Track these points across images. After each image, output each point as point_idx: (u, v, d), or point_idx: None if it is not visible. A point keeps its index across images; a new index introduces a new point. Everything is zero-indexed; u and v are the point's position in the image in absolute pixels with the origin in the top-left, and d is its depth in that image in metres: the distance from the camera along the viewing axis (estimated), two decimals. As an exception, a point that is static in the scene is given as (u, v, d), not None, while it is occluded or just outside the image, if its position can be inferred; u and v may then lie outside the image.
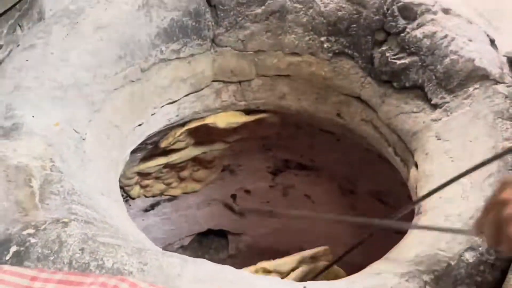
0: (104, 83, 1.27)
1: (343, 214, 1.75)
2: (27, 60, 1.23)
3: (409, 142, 1.32)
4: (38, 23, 1.35)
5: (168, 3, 1.35)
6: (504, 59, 1.37)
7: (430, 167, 1.20)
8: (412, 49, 1.29)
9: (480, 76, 1.22)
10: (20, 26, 1.34)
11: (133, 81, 1.32)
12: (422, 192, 1.19)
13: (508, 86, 1.23)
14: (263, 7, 1.38)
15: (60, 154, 1.17)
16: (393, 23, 1.30)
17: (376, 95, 1.33)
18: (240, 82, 1.41)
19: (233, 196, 1.80)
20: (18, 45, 1.31)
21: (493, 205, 0.95)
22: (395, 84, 1.31)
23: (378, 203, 1.71)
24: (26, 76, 1.20)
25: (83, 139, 1.20)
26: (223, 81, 1.40)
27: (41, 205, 1.07)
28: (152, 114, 1.36)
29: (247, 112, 1.49)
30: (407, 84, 1.30)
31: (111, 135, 1.28)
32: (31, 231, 1.05)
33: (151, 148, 1.51)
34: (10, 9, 1.30)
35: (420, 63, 1.36)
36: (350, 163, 1.64)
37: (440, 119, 1.24)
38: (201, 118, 1.47)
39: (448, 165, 1.17)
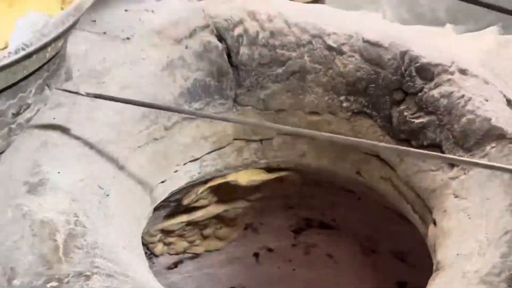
0: (128, 140, 1.28)
1: (365, 274, 1.76)
2: (54, 118, 1.25)
3: (427, 200, 1.31)
4: (66, 83, 1.36)
5: (192, 64, 1.37)
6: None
7: (448, 224, 1.20)
8: (429, 108, 1.29)
9: (496, 135, 1.23)
10: (48, 85, 1.36)
11: (156, 139, 1.32)
12: (440, 249, 1.21)
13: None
14: (283, 68, 1.40)
15: (84, 209, 1.14)
16: (411, 83, 1.31)
17: (395, 154, 1.35)
18: (261, 140, 1.42)
19: (256, 255, 1.80)
20: (46, 104, 1.33)
21: None
22: (413, 142, 1.31)
23: (400, 262, 1.69)
24: (52, 134, 1.22)
25: (107, 195, 1.21)
26: (245, 139, 1.42)
27: (64, 258, 1.04)
28: (175, 172, 1.37)
29: (268, 170, 1.49)
30: (425, 143, 1.30)
31: (134, 191, 1.29)
32: (54, 284, 1.03)
33: (174, 205, 1.52)
34: (38, 69, 1.36)
35: (437, 122, 1.30)
36: (371, 222, 1.63)
37: (457, 177, 1.24)
38: (223, 175, 1.47)
39: (465, 222, 1.18)
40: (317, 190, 1.53)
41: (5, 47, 1.29)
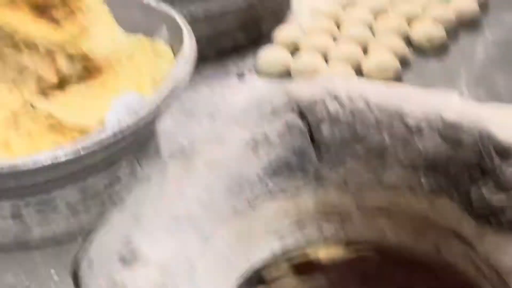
0: (214, 216, 1.31)
1: None
2: (144, 193, 1.29)
3: (508, 279, 1.34)
4: (155, 160, 1.44)
5: (275, 142, 1.37)
6: None
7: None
8: (508, 188, 1.24)
9: None
10: (138, 161, 1.44)
11: (241, 214, 1.33)
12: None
13: None
14: (362, 145, 1.39)
15: (174, 283, 1.13)
16: (490, 163, 1.28)
17: (474, 232, 1.29)
18: (341, 216, 1.42)
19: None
20: (136, 179, 1.37)
21: None
22: (492, 221, 1.26)
23: None
24: (144, 208, 1.26)
25: (195, 269, 1.21)
26: (325, 215, 1.42)
27: None
28: (257, 247, 1.37)
29: (347, 245, 1.44)
30: (504, 222, 1.25)
31: (220, 265, 1.29)
32: None
33: (255, 279, 1.56)
34: (130, 145, 1.40)
35: None
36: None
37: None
38: (303, 251, 1.48)
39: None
40: (395, 268, 1.44)
41: (99, 127, 1.35)
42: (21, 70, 1.44)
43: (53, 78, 1.44)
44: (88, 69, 1.46)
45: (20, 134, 1.39)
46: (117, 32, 1.57)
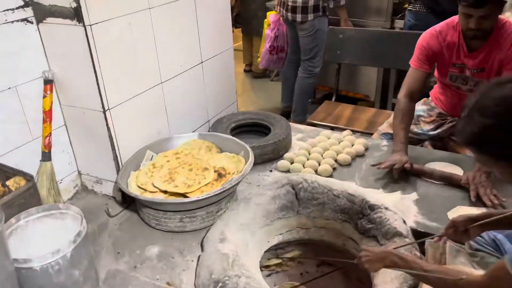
0: (257, 225, 1.41)
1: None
2: (230, 214, 1.41)
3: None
4: (235, 201, 1.50)
5: (282, 197, 1.47)
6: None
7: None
8: (372, 221, 1.38)
9: (399, 233, 1.30)
10: (229, 201, 1.49)
11: (267, 225, 1.44)
12: None
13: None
14: (316, 201, 1.47)
15: (239, 250, 1.26)
16: (366, 211, 1.41)
17: (358, 238, 1.41)
18: (306, 229, 1.50)
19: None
20: (227, 208, 1.45)
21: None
22: (365, 234, 1.39)
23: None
24: (229, 220, 1.38)
25: (247, 245, 1.33)
26: (300, 228, 1.50)
27: (232, 267, 1.17)
28: (273, 238, 1.46)
29: (309, 241, 1.50)
30: (370, 235, 1.37)
31: (257, 245, 1.39)
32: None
33: (273, 252, 1.51)
34: (227, 194, 1.47)
35: (375, 227, 1.36)
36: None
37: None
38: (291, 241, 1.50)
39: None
40: (327, 251, 1.51)
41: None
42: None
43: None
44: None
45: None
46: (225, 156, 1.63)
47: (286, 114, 3.00)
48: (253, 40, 3.95)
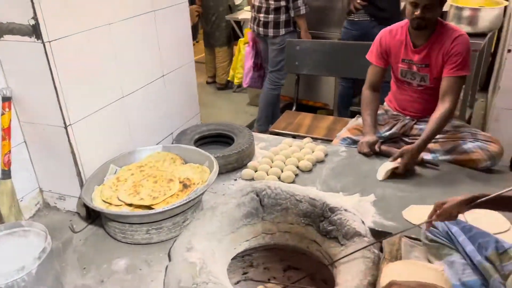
0: (223, 232, 1.41)
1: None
2: (196, 224, 1.39)
3: (334, 258, 1.35)
4: (201, 211, 1.50)
5: (247, 204, 1.49)
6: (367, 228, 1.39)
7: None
8: (333, 223, 1.41)
9: (358, 233, 1.35)
10: (194, 211, 1.51)
11: (233, 232, 1.44)
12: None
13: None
14: (280, 207, 1.49)
15: (206, 259, 1.26)
16: (326, 213, 1.45)
17: (320, 240, 1.44)
18: (271, 234, 1.51)
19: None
20: (193, 218, 1.44)
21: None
22: (327, 236, 1.42)
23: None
24: (195, 229, 1.37)
25: (214, 253, 1.33)
26: (265, 233, 1.52)
27: (199, 275, 1.18)
28: (239, 245, 1.47)
29: (274, 246, 1.52)
30: (332, 236, 1.41)
31: (224, 253, 1.39)
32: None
33: (238, 258, 1.51)
34: (193, 205, 1.49)
35: (336, 228, 1.38)
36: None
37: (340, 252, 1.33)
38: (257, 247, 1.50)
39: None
40: (292, 254, 1.55)
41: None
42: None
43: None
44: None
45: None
46: (189, 167, 1.64)
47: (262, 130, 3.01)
48: (215, 52, 3.96)
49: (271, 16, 2.68)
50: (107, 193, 1.43)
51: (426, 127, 1.76)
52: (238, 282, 1.61)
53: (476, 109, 3.34)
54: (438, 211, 1.16)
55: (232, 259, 1.48)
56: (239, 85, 3.95)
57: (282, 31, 2.70)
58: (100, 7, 1.47)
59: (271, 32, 2.71)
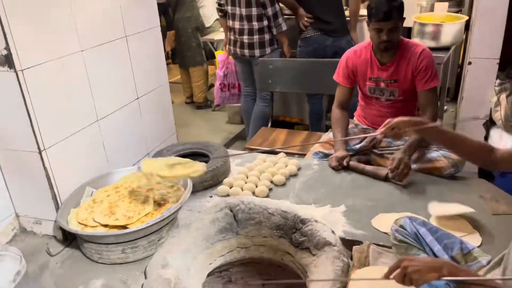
0: (198, 249, 1.44)
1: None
2: (171, 241, 1.43)
3: (306, 269, 1.39)
4: (176, 228, 1.55)
5: (221, 220, 1.52)
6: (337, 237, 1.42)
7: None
8: (304, 234, 1.45)
9: (328, 243, 1.39)
10: (170, 229, 1.53)
11: (208, 248, 1.47)
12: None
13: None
14: (254, 221, 1.52)
15: (181, 275, 1.30)
16: (298, 225, 1.48)
17: (293, 251, 1.48)
18: (246, 248, 1.55)
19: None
20: (168, 236, 1.47)
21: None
22: (299, 247, 1.46)
23: None
24: (170, 246, 1.40)
25: (189, 270, 1.36)
26: (240, 248, 1.54)
27: None
28: (214, 261, 1.51)
29: (249, 260, 1.56)
30: (304, 247, 1.44)
31: (200, 268, 1.42)
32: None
33: (216, 274, 1.53)
34: (168, 222, 1.51)
35: (308, 239, 1.43)
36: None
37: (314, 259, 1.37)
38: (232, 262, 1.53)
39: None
40: (267, 267, 1.59)
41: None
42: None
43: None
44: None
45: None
46: (164, 186, 1.66)
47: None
48: (189, 72, 4.06)
49: (255, 37, 2.74)
50: (83, 215, 1.46)
51: (409, 138, 1.84)
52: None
53: (447, 118, 3.44)
54: (388, 124, 1.28)
55: (210, 275, 1.50)
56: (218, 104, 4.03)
57: (268, 50, 2.78)
58: (72, 35, 1.52)
59: (257, 52, 2.78)
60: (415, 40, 2.81)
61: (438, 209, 1.54)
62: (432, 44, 2.76)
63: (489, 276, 1.07)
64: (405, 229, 1.31)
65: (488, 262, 1.12)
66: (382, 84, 1.94)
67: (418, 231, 1.28)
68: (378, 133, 1.35)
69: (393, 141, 1.98)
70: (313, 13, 2.74)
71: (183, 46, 3.98)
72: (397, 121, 1.27)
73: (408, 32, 3.03)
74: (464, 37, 3.06)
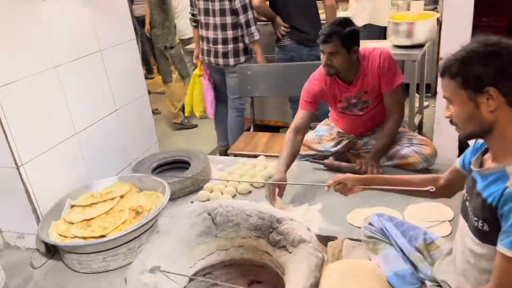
0: (177, 252, 1.45)
1: None
2: (150, 247, 1.43)
3: (283, 267, 1.41)
4: (155, 234, 1.52)
5: (200, 223, 1.52)
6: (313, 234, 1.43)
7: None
8: (281, 233, 1.45)
9: (303, 240, 1.40)
10: (149, 235, 1.54)
11: (188, 251, 1.48)
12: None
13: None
14: (232, 223, 1.53)
15: (161, 281, 1.30)
16: (274, 224, 1.49)
17: (271, 250, 1.49)
18: (226, 250, 1.55)
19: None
20: (148, 242, 1.46)
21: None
22: (277, 246, 1.46)
23: None
24: (150, 252, 1.41)
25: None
26: (221, 250, 1.56)
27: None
28: (195, 263, 1.51)
29: (230, 261, 1.56)
30: (281, 245, 1.45)
31: (180, 272, 1.42)
32: None
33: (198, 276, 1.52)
34: (148, 228, 1.55)
35: (284, 237, 1.43)
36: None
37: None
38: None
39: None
40: (247, 268, 1.59)
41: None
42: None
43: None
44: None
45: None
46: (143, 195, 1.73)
47: (225, 152, 3.04)
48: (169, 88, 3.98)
49: (230, 46, 2.74)
50: (62, 227, 1.49)
51: (379, 140, 1.87)
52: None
53: (428, 114, 3.48)
54: (336, 179, 1.35)
55: (193, 279, 1.52)
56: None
57: (242, 59, 2.78)
58: (44, 52, 1.55)
59: (231, 61, 2.77)
60: (390, 39, 2.85)
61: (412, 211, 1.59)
62: (407, 42, 2.81)
63: (444, 263, 1.12)
64: (373, 225, 1.35)
65: (450, 250, 1.16)
66: (353, 101, 1.93)
67: (384, 226, 1.33)
68: (326, 185, 1.38)
69: (369, 140, 2.00)
70: (290, 22, 2.75)
71: (158, 63, 3.97)
72: (343, 177, 1.33)
73: (383, 32, 3.07)
74: (438, 34, 3.09)
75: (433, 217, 1.54)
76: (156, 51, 3.93)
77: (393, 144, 1.93)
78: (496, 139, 0.93)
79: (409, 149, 1.88)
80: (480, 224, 0.94)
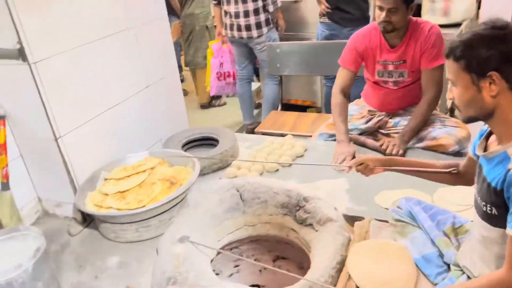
0: (207, 227, 1.47)
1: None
2: (181, 219, 1.47)
3: (310, 244, 1.44)
4: (186, 207, 1.56)
5: (228, 199, 1.56)
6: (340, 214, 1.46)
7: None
8: (308, 211, 1.48)
9: (330, 219, 1.42)
10: (180, 208, 1.55)
11: (217, 225, 1.50)
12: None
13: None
14: (259, 199, 1.54)
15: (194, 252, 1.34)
16: (301, 203, 1.52)
17: (298, 228, 1.51)
18: (253, 225, 1.59)
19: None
20: (178, 215, 1.51)
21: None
22: (303, 224, 1.49)
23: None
24: (181, 223, 1.45)
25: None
26: (247, 225, 1.58)
27: (182, 268, 1.25)
28: (223, 237, 1.55)
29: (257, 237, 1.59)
30: (307, 223, 1.47)
31: (209, 245, 1.45)
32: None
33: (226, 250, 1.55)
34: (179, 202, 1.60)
35: (311, 216, 1.46)
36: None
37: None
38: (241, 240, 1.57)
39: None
40: (273, 243, 1.61)
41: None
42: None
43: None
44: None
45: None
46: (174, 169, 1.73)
47: (252, 130, 3.05)
48: (196, 73, 3.93)
49: (252, 18, 2.80)
50: (98, 198, 1.54)
51: (410, 121, 1.84)
52: (231, 275, 1.69)
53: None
54: (357, 160, 1.32)
55: (220, 253, 1.55)
56: (220, 104, 3.91)
57: (265, 30, 2.85)
58: (79, 29, 1.58)
59: (255, 33, 2.84)
60: (425, 18, 2.76)
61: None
62: (443, 20, 2.73)
63: (466, 248, 1.11)
64: (401, 208, 1.35)
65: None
66: (391, 67, 1.91)
67: (412, 210, 1.32)
68: (347, 165, 1.35)
69: (400, 121, 1.97)
70: (335, 3, 2.74)
71: (190, 45, 3.79)
72: (365, 158, 1.30)
73: (418, 9, 2.95)
74: (477, 12, 2.96)
75: (464, 200, 1.50)
76: (189, 32, 3.74)
77: (425, 126, 1.88)
78: (497, 123, 0.92)
79: (442, 130, 1.84)
80: (488, 208, 0.93)
